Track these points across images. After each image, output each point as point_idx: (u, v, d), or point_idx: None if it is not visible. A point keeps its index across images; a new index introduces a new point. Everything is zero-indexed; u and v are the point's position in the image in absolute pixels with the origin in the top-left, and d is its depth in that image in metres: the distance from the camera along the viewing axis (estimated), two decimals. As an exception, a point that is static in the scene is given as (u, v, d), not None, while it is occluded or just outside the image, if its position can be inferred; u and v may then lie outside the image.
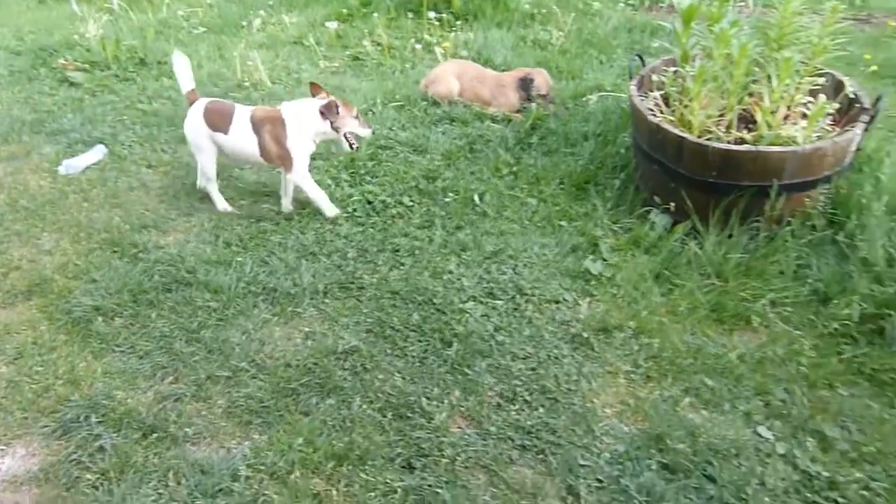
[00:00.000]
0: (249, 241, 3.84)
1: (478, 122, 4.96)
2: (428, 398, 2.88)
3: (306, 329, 3.27)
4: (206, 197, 4.22)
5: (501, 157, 4.48)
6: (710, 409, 2.83)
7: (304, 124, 3.84)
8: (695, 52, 3.81)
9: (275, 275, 3.57)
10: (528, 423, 2.77)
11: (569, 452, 2.66)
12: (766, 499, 2.48)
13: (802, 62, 3.62)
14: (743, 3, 4.41)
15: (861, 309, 3.15)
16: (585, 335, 3.16)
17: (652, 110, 3.75)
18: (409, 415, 2.82)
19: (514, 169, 4.38)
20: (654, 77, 4.01)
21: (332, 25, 6.45)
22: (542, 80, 5.00)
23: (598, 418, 2.79)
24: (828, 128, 3.59)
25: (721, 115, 3.67)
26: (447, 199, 4.09)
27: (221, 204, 4.12)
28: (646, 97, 3.88)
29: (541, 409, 2.83)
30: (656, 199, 3.76)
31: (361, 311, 3.35)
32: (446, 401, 2.88)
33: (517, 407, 2.85)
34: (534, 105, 4.92)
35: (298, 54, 6.24)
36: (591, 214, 3.90)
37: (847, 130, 3.45)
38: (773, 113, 3.55)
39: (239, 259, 3.66)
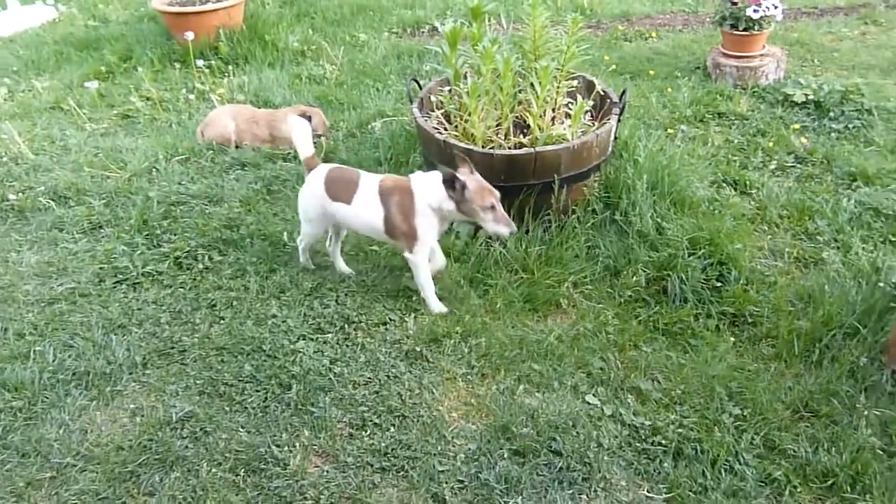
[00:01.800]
0: (45, 326, 3.50)
1: (270, 164, 4.92)
2: (278, 445, 2.84)
3: (132, 406, 3.07)
4: (-19, 289, 3.80)
5: (301, 194, 4.50)
6: (542, 390, 3.08)
7: (432, 198, 3.34)
8: (464, 71, 4.12)
9: (83, 357, 3.30)
10: (383, 444, 2.83)
11: (427, 462, 2.75)
12: (606, 457, 2.76)
13: (557, 69, 4.06)
14: (496, 22, 4.82)
15: (645, 274, 3.61)
16: (418, 349, 3.28)
17: (437, 128, 3.99)
18: (263, 466, 2.76)
19: (316, 203, 4.41)
20: (433, 97, 4.27)
21: (93, 85, 6.05)
22: (319, 119, 5.08)
23: (446, 424, 2.92)
24: (589, 123, 4.05)
25: (498, 125, 4.00)
26: (255, 245, 4.03)
27: (305, 259, 3.85)
28: (429, 117, 4.13)
29: (392, 429, 2.91)
30: (456, 209, 3.99)
31: (188, 375, 3.21)
32: (297, 444, 2.85)
33: (369, 432, 2.90)
34: (322, 139, 5.00)
35: (59, 120, 5.78)
36: (399, 234, 4.04)
37: (605, 123, 3.92)
38: (541, 116, 3.95)
39: (38, 348, 3.34)
